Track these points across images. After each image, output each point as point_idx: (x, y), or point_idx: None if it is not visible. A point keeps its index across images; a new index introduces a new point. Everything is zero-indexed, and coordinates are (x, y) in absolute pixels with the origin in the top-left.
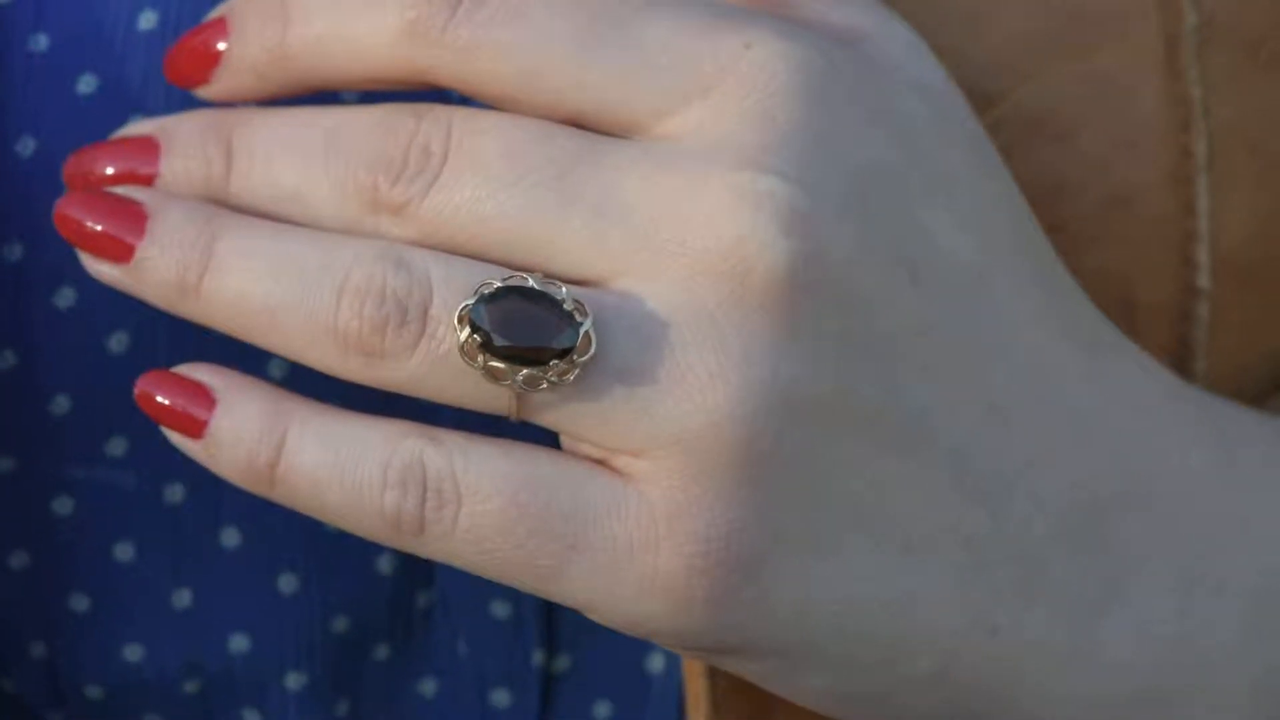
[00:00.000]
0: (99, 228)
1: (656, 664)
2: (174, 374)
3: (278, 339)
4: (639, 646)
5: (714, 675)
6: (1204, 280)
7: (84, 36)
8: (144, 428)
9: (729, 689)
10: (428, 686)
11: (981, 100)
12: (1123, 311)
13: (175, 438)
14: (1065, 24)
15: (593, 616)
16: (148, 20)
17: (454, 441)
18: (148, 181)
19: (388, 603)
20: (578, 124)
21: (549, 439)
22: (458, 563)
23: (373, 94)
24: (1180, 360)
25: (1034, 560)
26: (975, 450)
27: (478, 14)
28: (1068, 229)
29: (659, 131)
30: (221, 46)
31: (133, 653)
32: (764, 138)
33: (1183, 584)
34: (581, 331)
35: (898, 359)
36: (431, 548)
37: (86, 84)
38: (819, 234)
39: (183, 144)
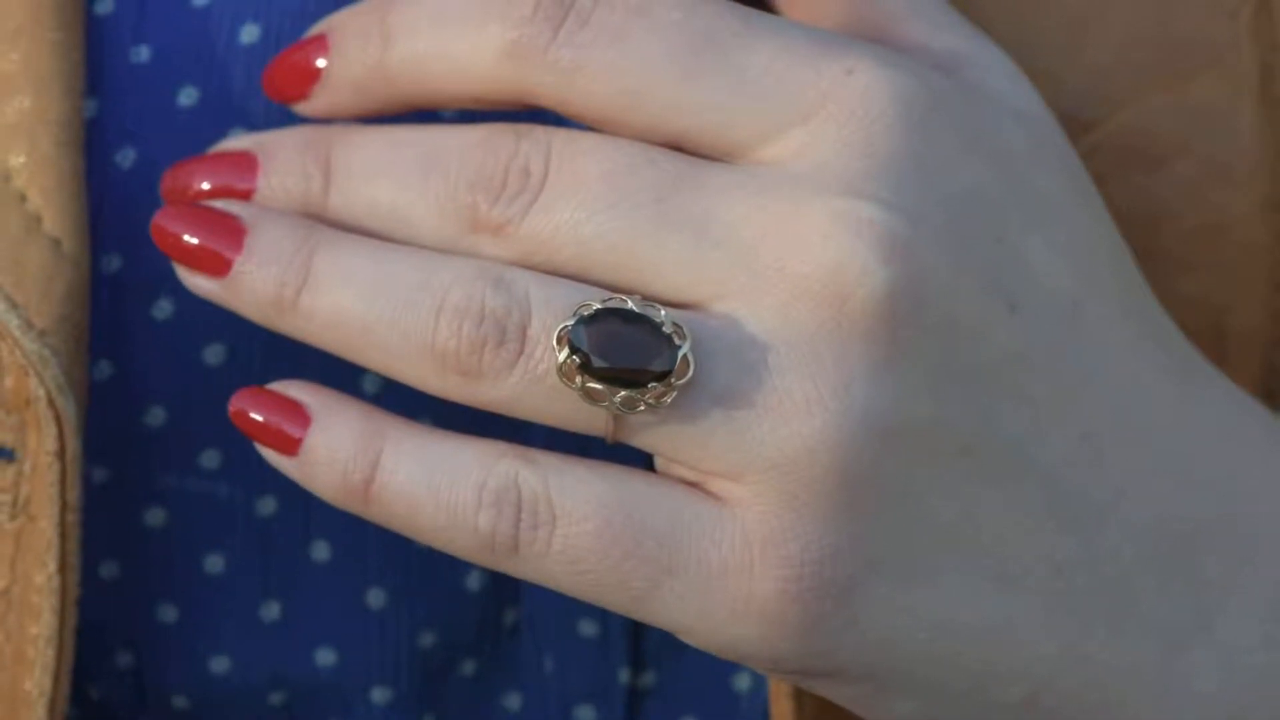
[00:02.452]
0: (196, 241)
1: (743, 682)
2: (269, 391)
3: (374, 356)
4: (725, 664)
5: (800, 696)
6: None
7: (185, 49)
8: (238, 440)
9: (816, 711)
10: (512, 702)
11: (1076, 127)
12: (1214, 339)
13: (270, 455)
14: (1160, 52)
15: (685, 639)
16: (250, 34)
17: (549, 463)
18: (245, 197)
19: (476, 619)
20: (677, 147)
21: (639, 460)
22: (551, 584)
23: (468, 113)
24: (1270, 389)
25: (1124, 589)
26: (1068, 479)
27: (580, 35)
28: (1161, 256)
29: (759, 156)
30: (321, 63)
31: (219, 664)
32: (865, 165)
33: (1271, 614)
34: (680, 354)
35: (994, 387)
36: (525, 568)
37: (187, 96)
38: (918, 261)
39: (281, 160)
